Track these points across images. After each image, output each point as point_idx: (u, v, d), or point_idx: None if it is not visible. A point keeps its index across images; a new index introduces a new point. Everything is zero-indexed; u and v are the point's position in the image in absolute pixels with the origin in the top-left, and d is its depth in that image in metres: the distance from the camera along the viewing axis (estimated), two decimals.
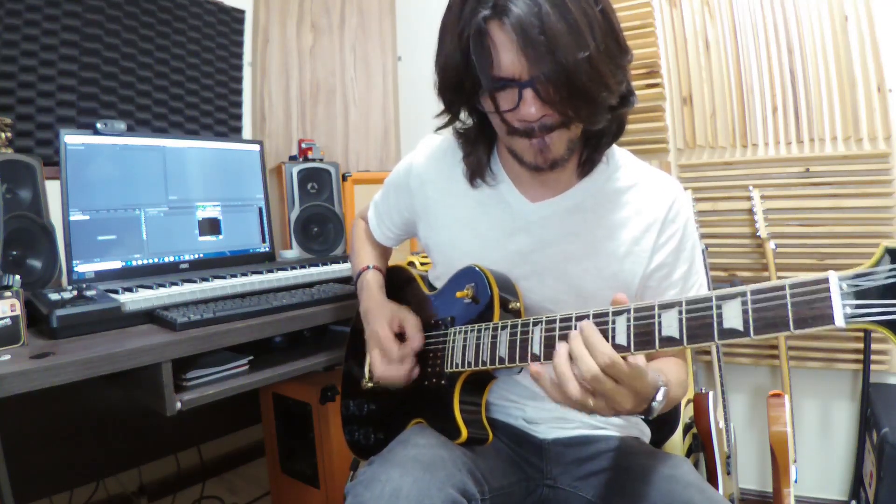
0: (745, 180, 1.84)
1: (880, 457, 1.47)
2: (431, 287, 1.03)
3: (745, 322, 0.57)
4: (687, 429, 1.61)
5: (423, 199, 1.00)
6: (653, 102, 1.92)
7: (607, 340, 0.66)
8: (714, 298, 0.60)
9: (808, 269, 1.79)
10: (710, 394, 1.62)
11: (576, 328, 0.70)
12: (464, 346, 0.85)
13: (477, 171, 0.93)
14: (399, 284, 1.09)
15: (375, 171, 2.28)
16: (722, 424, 1.71)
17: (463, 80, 0.77)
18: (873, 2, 1.65)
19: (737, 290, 0.58)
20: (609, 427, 0.97)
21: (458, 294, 0.88)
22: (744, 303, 0.57)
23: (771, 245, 1.77)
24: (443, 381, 0.88)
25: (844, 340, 1.77)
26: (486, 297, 0.85)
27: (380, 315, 0.95)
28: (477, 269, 0.88)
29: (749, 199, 1.81)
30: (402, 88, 2.43)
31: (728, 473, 1.65)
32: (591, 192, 0.90)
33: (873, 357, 1.71)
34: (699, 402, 1.62)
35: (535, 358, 0.75)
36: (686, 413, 1.61)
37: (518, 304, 0.86)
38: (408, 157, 1.05)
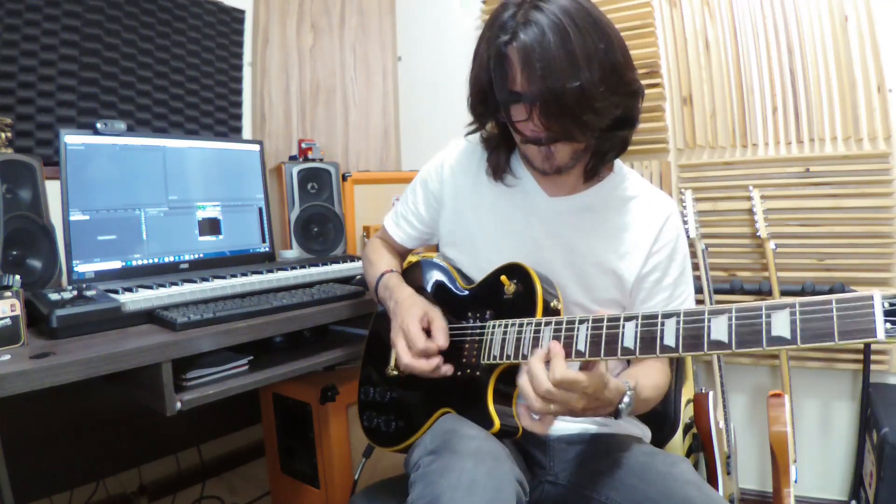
0: (745, 180, 1.84)
1: (880, 457, 1.47)
2: (466, 279, 1.06)
3: (793, 331, 0.60)
4: (687, 429, 1.61)
5: (453, 186, 1.10)
6: (653, 102, 1.92)
7: (656, 342, 0.70)
8: (763, 308, 0.63)
9: (808, 269, 1.79)
10: (710, 394, 1.62)
11: (623, 328, 0.74)
12: (503, 340, 0.88)
13: (498, 169, 1.04)
14: (433, 276, 1.10)
15: (375, 171, 2.28)
16: (722, 424, 1.71)
17: (487, 96, 0.89)
18: (873, 2, 1.66)
19: (785, 302, 0.62)
20: (611, 426, 1.00)
21: (504, 281, 0.92)
22: (792, 313, 0.61)
23: (771, 245, 1.77)
24: (478, 373, 0.90)
25: None
26: (531, 293, 0.89)
27: (412, 308, 0.96)
28: (521, 266, 0.93)
29: (749, 199, 1.82)
30: (402, 88, 2.42)
31: (728, 473, 1.66)
32: (600, 196, 1.01)
33: (873, 357, 1.71)
34: (699, 402, 1.62)
35: (580, 355, 0.77)
36: (686, 413, 1.61)
37: (559, 304, 0.90)
38: (438, 156, 1.16)
